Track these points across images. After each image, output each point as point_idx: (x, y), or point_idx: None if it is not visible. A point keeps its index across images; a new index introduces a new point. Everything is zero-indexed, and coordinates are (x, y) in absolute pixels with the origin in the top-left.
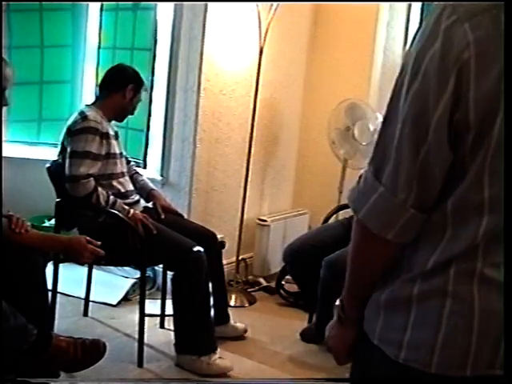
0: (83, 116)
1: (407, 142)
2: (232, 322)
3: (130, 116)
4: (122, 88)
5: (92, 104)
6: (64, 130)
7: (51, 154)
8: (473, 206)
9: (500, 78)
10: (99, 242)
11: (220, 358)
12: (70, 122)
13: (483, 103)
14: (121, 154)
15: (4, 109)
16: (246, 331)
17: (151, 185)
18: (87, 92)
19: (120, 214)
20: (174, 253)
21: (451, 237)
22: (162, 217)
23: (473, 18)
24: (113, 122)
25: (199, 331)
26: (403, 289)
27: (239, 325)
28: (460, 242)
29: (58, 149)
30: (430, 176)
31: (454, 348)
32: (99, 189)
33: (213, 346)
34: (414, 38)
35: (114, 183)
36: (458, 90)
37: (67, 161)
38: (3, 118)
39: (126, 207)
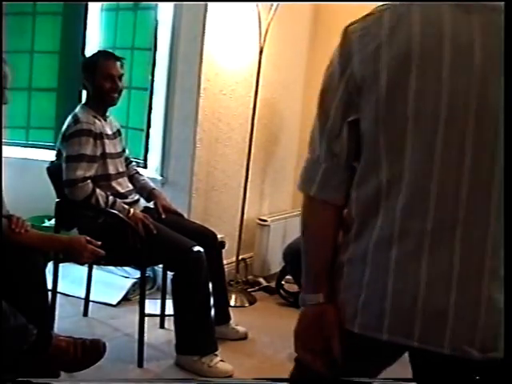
0: (75, 119)
1: (317, 116)
2: (233, 325)
3: (129, 116)
4: (82, 82)
5: (85, 104)
6: (59, 136)
7: (50, 154)
8: (389, 182)
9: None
10: (99, 242)
11: (222, 360)
12: (64, 126)
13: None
14: (118, 153)
15: (4, 107)
16: (246, 335)
17: (152, 184)
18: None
19: (120, 214)
20: (174, 253)
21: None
22: (163, 216)
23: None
24: (112, 119)
25: (199, 331)
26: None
27: (240, 328)
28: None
29: (55, 153)
30: (337, 138)
31: (370, 311)
32: (97, 190)
33: (213, 347)
34: None
35: (113, 184)
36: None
37: (63, 165)
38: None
39: (126, 207)
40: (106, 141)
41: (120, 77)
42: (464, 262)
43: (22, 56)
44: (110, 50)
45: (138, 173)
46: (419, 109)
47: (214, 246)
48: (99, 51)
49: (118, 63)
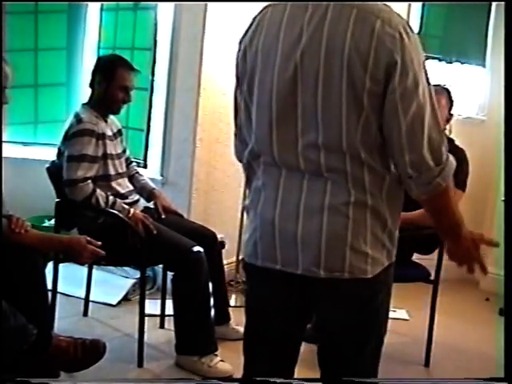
0: (78, 119)
1: None
2: (233, 325)
3: (129, 116)
4: (93, 81)
5: (87, 103)
6: (61, 135)
7: (50, 154)
8: None
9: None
10: (99, 243)
11: (221, 361)
12: (66, 125)
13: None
14: (118, 154)
15: (4, 107)
16: None
17: (152, 185)
18: (86, 94)
19: (120, 215)
20: (174, 253)
21: None
22: (163, 217)
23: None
24: (112, 119)
25: (199, 331)
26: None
27: (240, 328)
28: None
29: (56, 152)
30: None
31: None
32: (98, 190)
33: (213, 347)
34: (419, 38)
35: (113, 184)
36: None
37: (64, 165)
38: (3, 117)
39: (126, 207)
40: (108, 141)
41: (132, 88)
42: (308, 200)
43: (27, 54)
44: (110, 50)
45: (138, 173)
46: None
47: (214, 246)
48: (117, 56)
49: (131, 74)
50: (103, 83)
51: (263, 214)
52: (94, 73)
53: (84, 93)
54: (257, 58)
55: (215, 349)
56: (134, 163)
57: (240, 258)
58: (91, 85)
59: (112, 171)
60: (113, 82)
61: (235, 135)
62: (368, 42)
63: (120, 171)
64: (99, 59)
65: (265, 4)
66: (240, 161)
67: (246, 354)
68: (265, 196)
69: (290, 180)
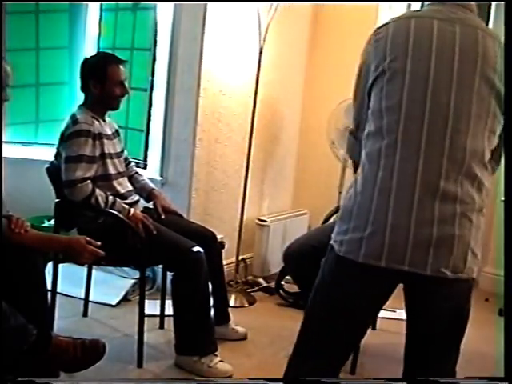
0: (74, 120)
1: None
2: (233, 325)
3: (129, 116)
4: (87, 85)
5: (83, 104)
6: (58, 137)
7: (50, 154)
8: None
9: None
10: (99, 243)
11: (221, 361)
12: (62, 126)
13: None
14: (117, 153)
15: (5, 104)
16: (246, 335)
17: (152, 185)
18: None
19: (120, 215)
20: (174, 253)
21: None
22: (162, 217)
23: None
24: (110, 120)
25: (199, 332)
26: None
27: (240, 328)
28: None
29: (54, 153)
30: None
31: (373, 243)
32: (97, 190)
33: (213, 347)
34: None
35: (113, 184)
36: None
37: (62, 166)
38: (3, 115)
39: (126, 206)
40: (105, 141)
41: (126, 80)
42: (442, 205)
43: (28, 54)
44: (110, 50)
45: (137, 173)
46: (411, 92)
47: (214, 246)
48: (102, 56)
49: (122, 67)
50: (97, 85)
51: (396, 219)
52: (84, 76)
53: None
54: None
55: (215, 349)
56: (133, 163)
57: (240, 258)
58: (83, 88)
59: (112, 170)
60: (107, 80)
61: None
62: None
63: (120, 170)
64: (85, 62)
65: (267, 4)
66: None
67: (306, 351)
68: (396, 197)
69: (427, 189)
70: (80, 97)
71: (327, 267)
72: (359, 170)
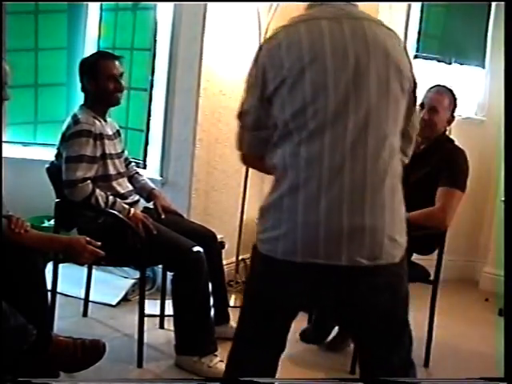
0: (75, 120)
1: None
2: (232, 323)
3: (129, 116)
4: (83, 84)
5: (84, 104)
6: (59, 136)
7: (50, 154)
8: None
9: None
10: (99, 243)
11: (221, 361)
12: (64, 127)
13: None
14: (118, 153)
15: (5, 103)
16: None
17: (152, 185)
18: None
19: (120, 215)
20: (174, 253)
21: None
22: (162, 217)
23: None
24: (111, 120)
25: (199, 332)
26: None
27: None
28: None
29: (55, 153)
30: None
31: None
32: (97, 190)
33: (213, 347)
34: (419, 38)
35: (113, 184)
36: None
37: (63, 166)
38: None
39: (127, 206)
40: (106, 141)
41: (121, 75)
42: (350, 197)
43: (27, 54)
44: (110, 51)
45: (137, 173)
46: (314, 94)
47: (214, 246)
48: (96, 52)
49: (117, 62)
50: (91, 81)
51: (305, 215)
52: (81, 75)
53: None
54: (304, 63)
55: (215, 349)
56: (133, 163)
57: (240, 258)
58: (82, 88)
59: (112, 171)
60: (99, 75)
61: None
62: None
63: (121, 171)
64: (82, 62)
65: (267, 4)
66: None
67: (243, 348)
68: (304, 196)
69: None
70: (78, 97)
71: (253, 265)
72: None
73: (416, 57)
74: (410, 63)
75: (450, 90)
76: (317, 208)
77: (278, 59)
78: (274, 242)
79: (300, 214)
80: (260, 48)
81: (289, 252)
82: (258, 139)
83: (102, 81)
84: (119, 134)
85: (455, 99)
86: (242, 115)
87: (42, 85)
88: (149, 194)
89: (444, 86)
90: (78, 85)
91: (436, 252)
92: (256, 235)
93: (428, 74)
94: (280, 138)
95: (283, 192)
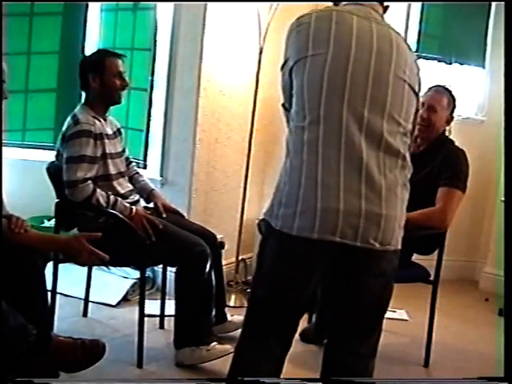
0: (75, 120)
1: None
2: (228, 317)
3: (129, 116)
4: (87, 82)
5: (84, 103)
6: (59, 136)
7: (49, 155)
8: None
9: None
10: (99, 234)
11: (219, 343)
12: (64, 127)
13: None
14: (119, 153)
15: (4, 102)
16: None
17: (152, 185)
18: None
19: (120, 215)
20: (178, 247)
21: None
22: (164, 215)
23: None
24: (112, 118)
25: (200, 324)
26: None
27: (236, 317)
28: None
29: (55, 154)
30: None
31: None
32: (98, 190)
33: (212, 338)
34: (419, 38)
35: (114, 184)
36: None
37: (64, 167)
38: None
39: (128, 205)
40: (106, 141)
41: (124, 73)
42: (368, 182)
43: (19, 58)
44: None
45: (137, 173)
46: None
47: (214, 247)
48: (100, 50)
49: (120, 61)
50: (97, 78)
51: (325, 199)
52: (84, 73)
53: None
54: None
55: (214, 340)
56: (134, 163)
57: (240, 258)
58: (83, 86)
59: (113, 170)
60: (106, 72)
61: None
62: None
63: (121, 170)
64: (84, 59)
65: (267, 4)
66: None
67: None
68: (322, 180)
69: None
70: (68, 104)
71: (265, 241)
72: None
73: (416, 57)
74: (419, 68)
75: (449, 90)
76: (337, 189)
77: (304, 36)
78: (290, 219)
79: (320, 191)
80: (292, 25)
81: (306, 228)
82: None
83: (108, 77)
84: (120, 133)
85: (454, 99)
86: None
87: (32, 90)
88: (148, 195)
89: (443, 86)
90: (69, 90)
91: (436, 252)
92: (267, 211)
93: (428, 73)
94: (296, 112)
95: (301, 170)
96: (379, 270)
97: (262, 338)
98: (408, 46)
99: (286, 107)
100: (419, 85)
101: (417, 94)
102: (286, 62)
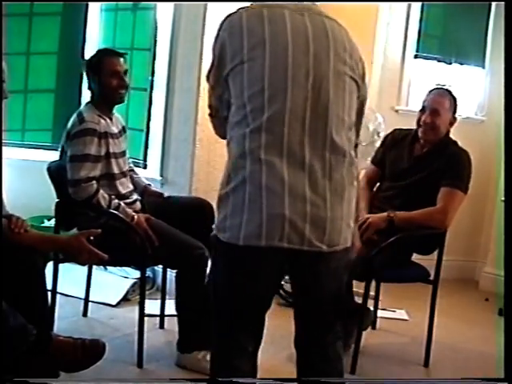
0: (80, 118)
1: None
2: None
3: (129, 115)
4: (89, 82)
5: (90, 102)
6: (64, 134)
7: (48, 155)
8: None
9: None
10: (99, 230)
11: None
12: (69, 124)
13: None
14: (122, 152)
15: (5, 101)
16: None
17: (146, 181)
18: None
19: (120, 215)
20: (177, 250)
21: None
22: (165, 195)
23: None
24: (117, 116)
25: (204, 328)
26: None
27: None
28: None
29: (59, 152)
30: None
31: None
32: (101, 191)
33: None
34: (419, 38)
35: (115, 183)
36: None
37: (68, 165)
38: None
39: (130, 211)
40: (110, 140)
41: (125, 72)
42: (312, 185)
43: (19, 58)
44: None
45: (132, 170)
46: (272, 78)
47: (210, 216)
48: (100, 50)
49: (121, 59)
50: (95, 77)
51: (270, 203)
52: (87, 73)
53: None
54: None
55: None
56: (130, 161)
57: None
58: (89, 86)
59: (116, 170)
60: (102, 71)
61: None
62: None
63: (124, 169)
64: (87, 59)
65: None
66: None
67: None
68: (266, 185)
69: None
70: (66, 104)
71: (216, 255)
72: (227, 159)
73: (416, 57)
74: (361, 58)
75: (450, 92)
76: (282, 194)
77: (238, 39)
78: (237, 229)
79: (264, 198)
80: (221, 26)
81: (252, 236)
82: (221, 120)
83: (105, 77)
84: (125, 131)
85: (455, 100)
86: (208, 99)
87: (31, 91)
88: (143, 190)
89: (444, 88)
90: (67, 91)
91: (436, 252)
92: (216, 225)
93: (428, 74)
94: (236, 122)
95: (244, 177)
96: (330, 270)
97: (231, 335)
98: (343, 27)
99: (219, 116)
100: (362, 64)
101: (357, 81)
102: (219, 67)
